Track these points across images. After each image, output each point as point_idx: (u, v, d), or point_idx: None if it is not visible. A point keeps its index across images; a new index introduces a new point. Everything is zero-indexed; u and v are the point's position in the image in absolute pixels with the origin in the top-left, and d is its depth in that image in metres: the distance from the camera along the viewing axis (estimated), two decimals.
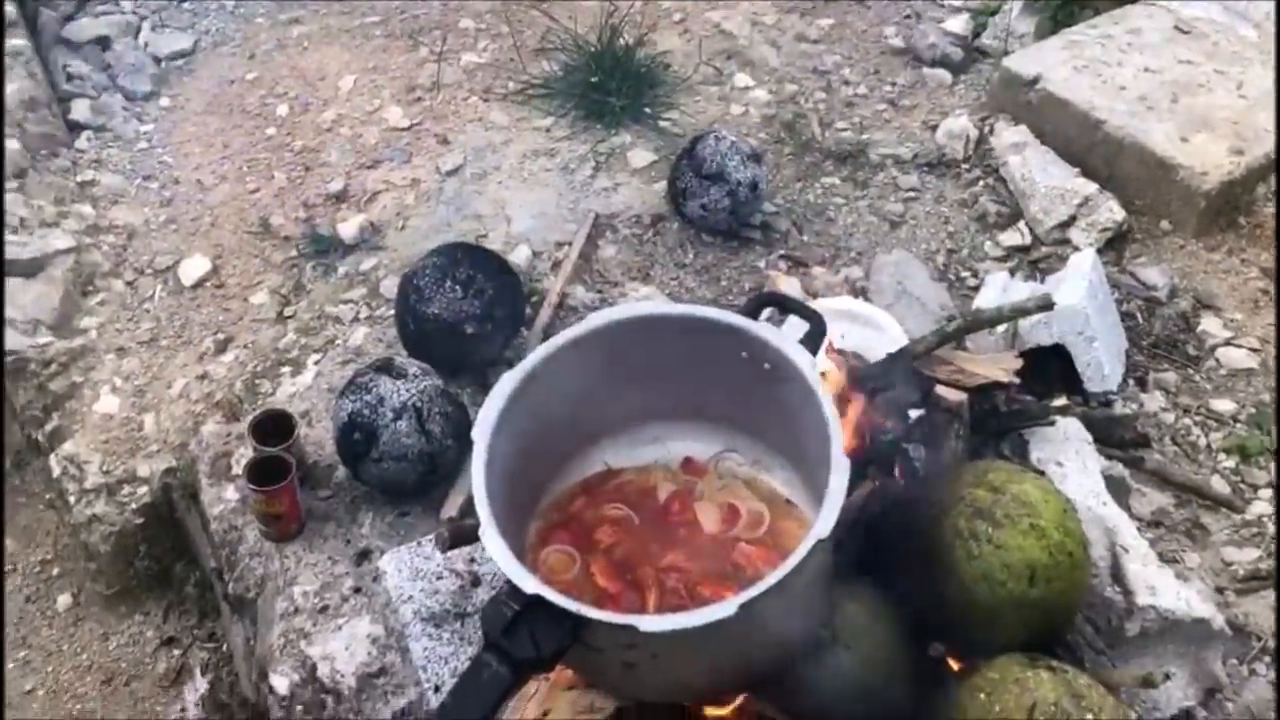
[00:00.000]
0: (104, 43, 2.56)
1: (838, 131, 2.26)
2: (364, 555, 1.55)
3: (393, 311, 1.94)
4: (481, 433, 1.06)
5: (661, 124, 2.24)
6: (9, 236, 2.03)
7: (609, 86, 2.27)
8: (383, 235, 2.10)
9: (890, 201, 2.13)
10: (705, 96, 2.32)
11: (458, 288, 1.72)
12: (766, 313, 1.18)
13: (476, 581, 1.33)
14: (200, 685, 1.83)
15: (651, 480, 1.23)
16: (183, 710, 1.81)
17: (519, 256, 2.00)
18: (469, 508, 1.59)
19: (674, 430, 1.25)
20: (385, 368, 1.61)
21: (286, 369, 1.91)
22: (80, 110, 2.37)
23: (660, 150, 2.19)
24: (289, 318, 2.00)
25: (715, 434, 1.24)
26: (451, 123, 2.28)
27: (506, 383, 1.10)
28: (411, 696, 1.37)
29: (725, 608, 0.93)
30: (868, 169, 2.18)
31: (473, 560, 1.36)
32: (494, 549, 0.99)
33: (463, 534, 1.14)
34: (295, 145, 2.29)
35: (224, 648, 1.86)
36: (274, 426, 1.59)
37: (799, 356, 1.09)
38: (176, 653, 1.87)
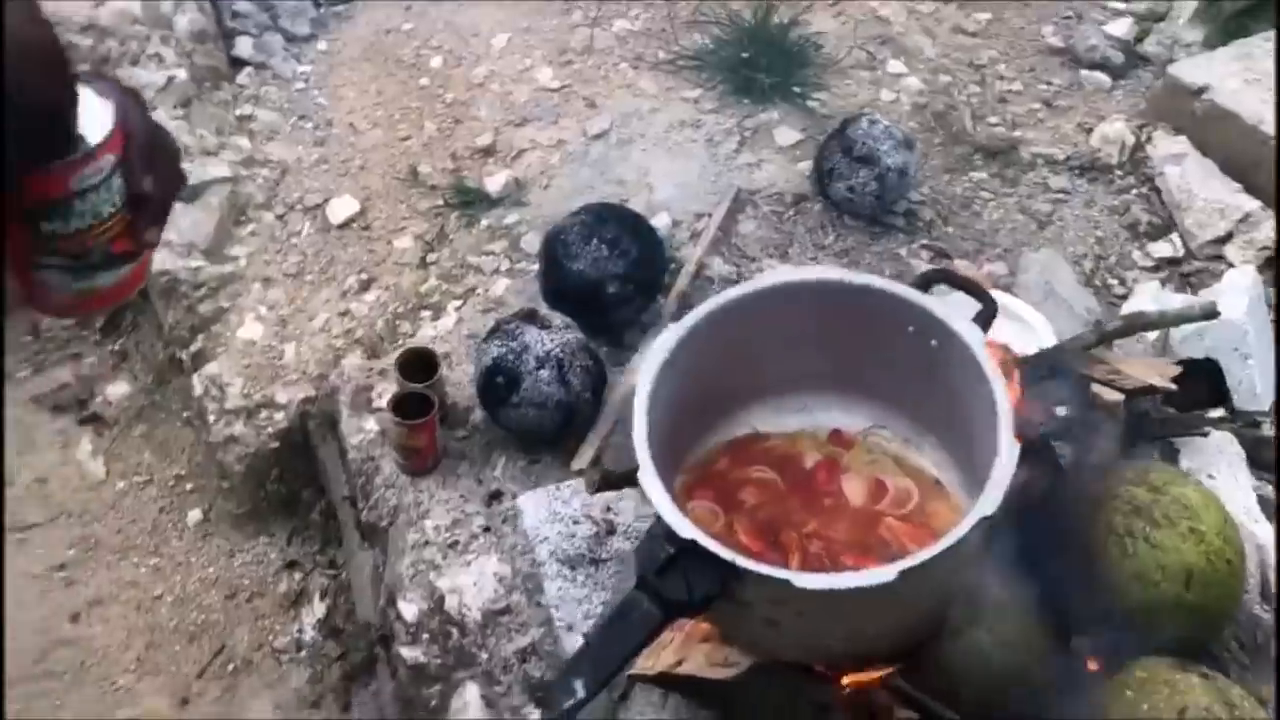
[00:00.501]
0: None
1: (989, 126, 2.22)
2: (494, 496, 1.59)
3: (533, 266, 1.97)
4: (644, 381, 1.08)
5: (810, 104, 2.23)
6: None
7: (759, 63, 2.27)
8: (526, 192, 2.13)
9: (1039, 201, 2.09)
10: (855, 80, 2.30)
11: (603, 247, 1.74)
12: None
13: (612, 530, 1.35)
14: (318, 609, 1.88)
15: (798, 447, 1.23)
16: (299, 631, 1.87)
17: (659, 224, 2.00)
18: (599, 460, 1.62)
19: (823, 400, 1.25)
20: (531, 317, 1.64)
21: (427, 313, 1.95)
22: (243, 47, 2.45)
23: (807, 130, 2.18)
24: (431, 264, 2.05)
25: (866, 407, 1.24)
26: (600, 87, 2.30)
27: (671, 335, 1.11)
28: (534, 636, 1.40)
29: (885, 573, 0.93)
30: (1018, 166, 2.15)
31: (609, 509, 1.38)
32: (652, 492, 1.00)
33: (612, 479, 1.16)
34: (446, 98, 2.33)
35: (342, 576, 1.92)
36: (419, 364, 1.63)
37: (971, 336, 1.08)
38: (297, 576, 1.93)
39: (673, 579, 0.95)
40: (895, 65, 2.33)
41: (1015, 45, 2.40)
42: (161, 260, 2.05)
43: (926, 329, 1.12)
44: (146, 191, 0.70)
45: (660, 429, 1.09)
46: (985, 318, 1.12)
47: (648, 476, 1.01)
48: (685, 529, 0.97)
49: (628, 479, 1.19)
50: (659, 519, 0.99)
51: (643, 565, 0.97)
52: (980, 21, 2.46)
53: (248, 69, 2.40)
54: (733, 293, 1.15)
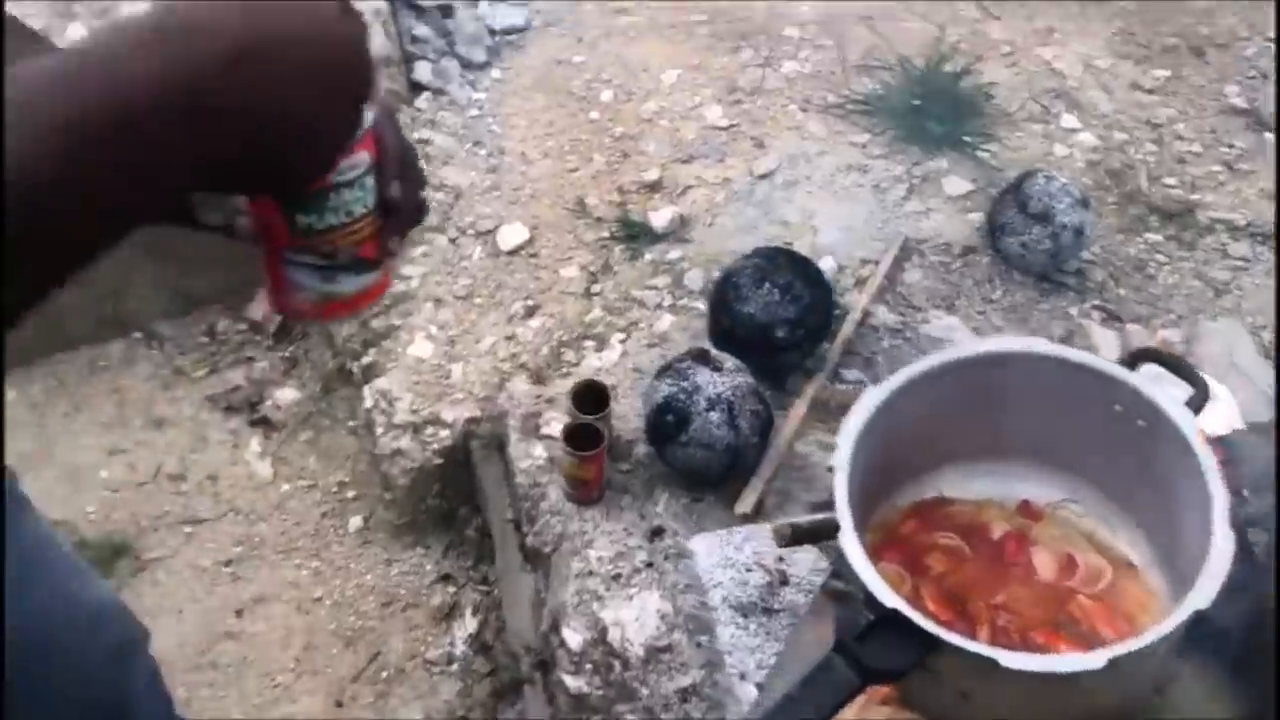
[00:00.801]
0: (446, 10, 2.72)
1: (1166, 187, 2.18)
2: (657, 532, 1.61)
3: (696, 303, 2.01)
4: (846, 440, 1.09)
5: (980, 155, 2.22)
6: None
7: (930, 111, 2.26)
8: (691, 228, 2.16)
9: (1216, 268, 2.04)
10: (1028, 133, 2.28)
11: (775, 291, 1.76)
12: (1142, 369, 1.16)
13: (785, 580, 1.36)
14: (469, 624, 1.94)
15: (985, 516, 1.23)
16: (450, 644, 1.93)
17: (823, 268, 2.01)
18: (762, 504, 1.64)
19: (1014, 469, 1.24)
20: (702, 358, 1.66)
21: (590, 343, 2.00)
22: (422, 72, 2.54)
23: (976, 181, 2.16)
24: (595, 294, 2.09)
25: (1057, 480, 1.22)
26: (768, 128, 2.32)
27: (873, 395, 1.12)
28: (695, 677, 1.42)
29: (1094, 659, 0.92)
30: (1195, 230, 2.10)
31: (781, 559, 1.39)
32: (855, 558, 1.01)
33: (803, 534, 1.17)
34: (615, 131, 2.38)
35: (494, 593, 1.97)
36: (591, 396, 1.67)
37: (1183, 420, 1.06)
38: (451, 590, 1.99)
39: (872, 646, 0.96)
40: (1069, 120, 2.30)
41: (1195, 104, 2.35)
42: None
43: (1135, 409, 1.10)
44: (395, 198, 0.70)
45: (851, 490, 1.10)
46: (1197, 402, 1.10)
47: (850, 543, 1.02)
48: (888, 598, 0.98)
49: (816, 535, 1.20)
50: (859, 582, 1.00)
51: (842, 630, 0.98)
52: (1159, 79, 2.41)
53: (426, 94, 2.49)
54: (938, 358, 1.15)
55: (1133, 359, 1.15)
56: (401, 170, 0.71)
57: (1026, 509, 1.23)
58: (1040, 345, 1.18)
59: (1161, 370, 1.14)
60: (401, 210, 0.71)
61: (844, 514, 1.04)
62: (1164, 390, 1.10)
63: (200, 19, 0.56)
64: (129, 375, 2.33)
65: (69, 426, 2.24)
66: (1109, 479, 1.18)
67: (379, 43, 2.44)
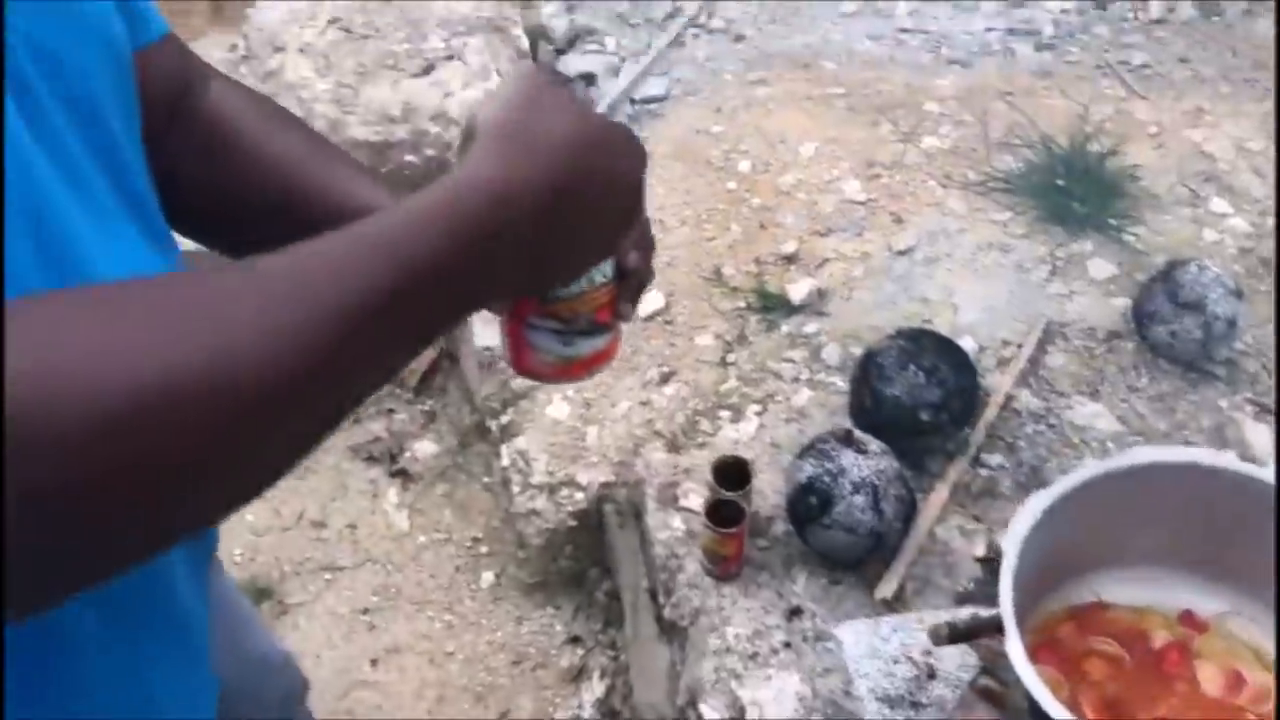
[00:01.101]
0: (589, 79, 2.80)
1: None
2: (795, 612, 1.62)
3: (833, 379, 2.01)
4: (1012, 543, 1.09)
5: (1126, 238, 2.19)
6: None
7: (1074, 191, 2.24)
8: (827, 302, 2.17)
9: None
10: (1176, 217, 2.24)
11: (920, 373, 1.76)
12: None
13: (932, 674, 1.36)
14: (597, 688, 1.96)
15: (1145, 624, 1.21)
16: (579, 707, 1.95)
17: (964, 347, 2.01)
18: (903, 590, 1.63)
19: (1176, 577, 1.22)
20: (847, 439, 1.67)
21: (726, 413, 2.02)
22: None
23: (1122, 265, 2.14)
24: (731, 364, 2.12)
25: (1221, 590, 1.20)
26: (907, 203, 2.33)
27: (1040, 499, 1.12)
28: None
29: None
30: None
31: (928, 652, 1.38)
32: (1020, 665, 1.01)
33: (959, 634, 1.17)
34: (753, 202, 2.41)
35: (622, 658, 1.99)
36: (732, 471, 1.69)
37: None
38: (580, 652, 2.02)
39: None
40: (1220, 204, 2.25)
41: None
42: (483, 336, 2.21)
43: None
44: (631, 266, 0.75)
45: (1016, 592, 1.09)
46: None
47: (1015, 649, 1.02)
48: (1056, 710, 0.97)
49: (972, 634, 1.20)
50: (1022, 688, 1.00)
51: None
52: None
53: None
54: (1101, 465, 1.15)
55: None
56: (637, 241, 0.76)
57: (1189, 619, 1.21)
58: (1205, 456, 1.16)
59: None
60: (635, 276, 0.77)
61: (1009, 620, 1.04)
62: None
63: (501, 190, 0.58)
64: None
65: None
66: (1270, 591, 1.16)
67: None
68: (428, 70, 2.46)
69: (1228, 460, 1.15)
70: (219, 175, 0.82)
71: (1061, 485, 1.13)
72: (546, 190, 0.60)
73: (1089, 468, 1.14)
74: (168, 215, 0.76)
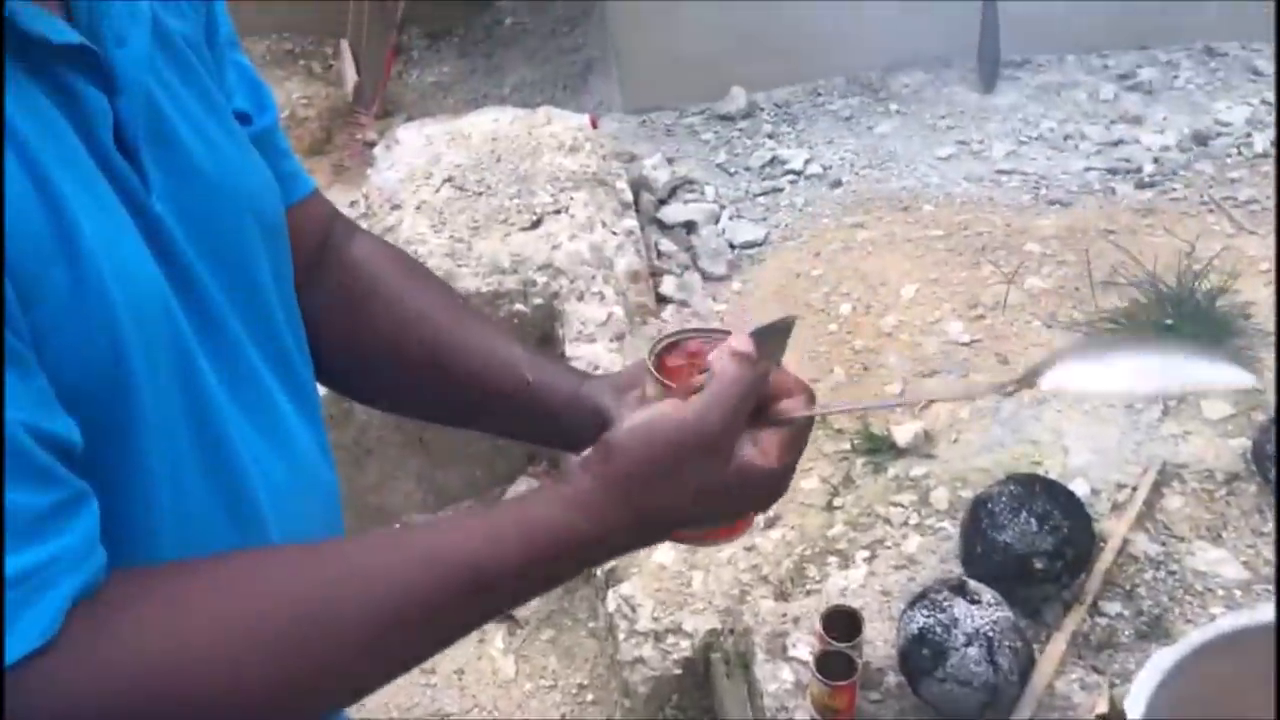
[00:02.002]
0: (690, 227, 2.89)
1: None
2: None
3: (943, 524, 1.99)
4: (1135, 704, 1.05)
5: None
6: None
7: (1184, 330, 2.21)
8: (935, 444, 2.16)
9: None
10: None
11: (1032, 520, 1.73)
12: None
13: None
14: None
15: None
16: None
17: (1076, 491, 1.97)
18: None
19: None
20: (960, 589, 1.64)
21: (834, 559, 2.00)
22: (667, 286, 2.68)
23: (1239, 405, 2.08)
24: (837, 508, 2.10)
25: None
26: (1012, 344, 2.32)
27: (1165, 656, 1.09)
28: None
29: None
30: None
31: None
32: None
33: None
34: (855, 344, 2.43)
35: None
36: (842, 621, 1.67)
37: None
38: None
39: None
40: None
41: None
42: None
43: None
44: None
45: None
46: None
47: None
48: None
49: None
50: None
51: None
52: None
53: (671, 305, 2.62)
54: (1233, 621, 1.11)
55: None
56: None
57: None
58: None
59: None
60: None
61: None
62: None
63: (593, 540, 0.70)
64: None
65: None
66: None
67: (629, 260, 2.61)
68: (536, 224, 2.57)
69: None
70: (359, 325, 0.87)
71: (1188, 641, 1.09)
72: (636, 543, 0.73)
73: (1218, 623, 1.10)
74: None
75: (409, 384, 0.88)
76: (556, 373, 0.86)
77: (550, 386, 0.84)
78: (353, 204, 2.83)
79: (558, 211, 2.60)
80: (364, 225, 2.69)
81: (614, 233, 2.60)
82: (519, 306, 2.49)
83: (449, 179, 2.71)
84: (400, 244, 2.60)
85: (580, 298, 2.47)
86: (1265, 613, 1.13)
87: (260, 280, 0.75)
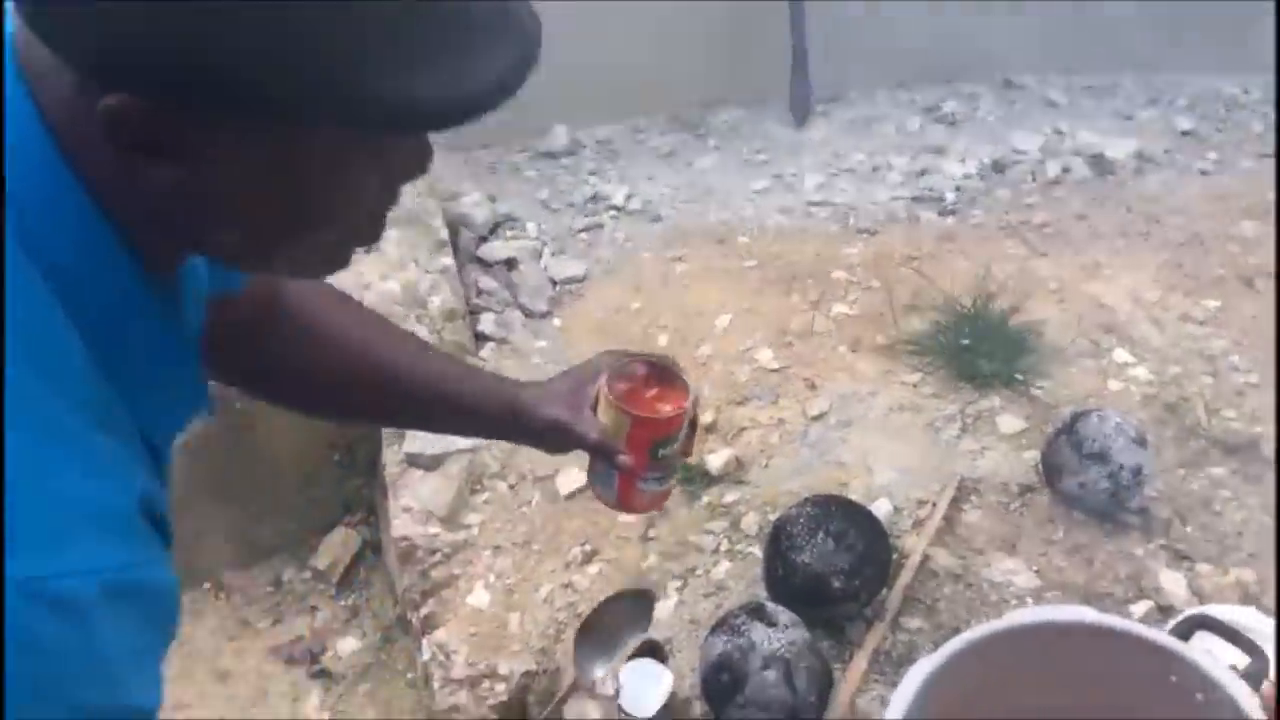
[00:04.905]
0: (511, 264, 2.87)
1: (1225, 420, 2.15)
2: None
3: (752, 549, 2.00)
4: (897, 711, 1.06)
5: (1034, 392, 2.22)
6: (420, 432, 2.27)
7: (980, 349, 2.29)
8: (746, 471, 2.18)
9: None
10: (1080, 369, 2.29)
11: (830, 540, 1.75)
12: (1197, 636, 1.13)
13: None
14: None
15: None
16: None
17: (879, 510, 2.00)
18: None
19: None
20: (758, 613, 1.64)
21: None
22: (486, 323, 2.65)
23: (1031, 419, 2.16)
24: (651, 539, 2.10)
25: None
26: (820, 369, 2.37)
27: (923, 665, 1.10)
28: None
29: None
30: (1259, 463, 2.06)
31: None
32: None
33: None
34: None
35: None
36: (648, 655, 1.65)
37: (1241, 694, 1.02)
38: None
39: None
40: (1121, 354, 2.31)
41: (1248, 335, 2.35)
42: (402, 526, 2.18)
43: (1190, 682, 1.07)
44: (697, 416, 1.06)
45: None
46: (1257, 673, 1.06)
47: None
48: None
49: None
50: None
51: None
52: (1209, 309, 2.43)
53: (490, 344, 2.59)
54: (983, 629, 1.13)
55: (1188, 628, 1.11)
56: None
57: None
58: (1090, 615, 1.15)
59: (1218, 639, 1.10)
60: (697, 426, 1.08)
61: None
62: (1220, 662, 1.06)
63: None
64: (198, 627, 2.36)
65: None
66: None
67: (444, 298, 2.57)
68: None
69: (1109, 620, 1.14)
70: (313, 360, 1.01)
71: (944, 651, 1.11)
72: None
73: (965, 635, 1.12)
74: (276, 398, 1.04)
75: (355, 399, 1.05)
76: (488, 389, 1.07)
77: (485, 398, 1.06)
78: None
79: (368, 250, 2.54)
80: None
81: (428, 271, 2.56)
82: None
83: None
84: None
85: None
86: (1015, 617, 1.15)
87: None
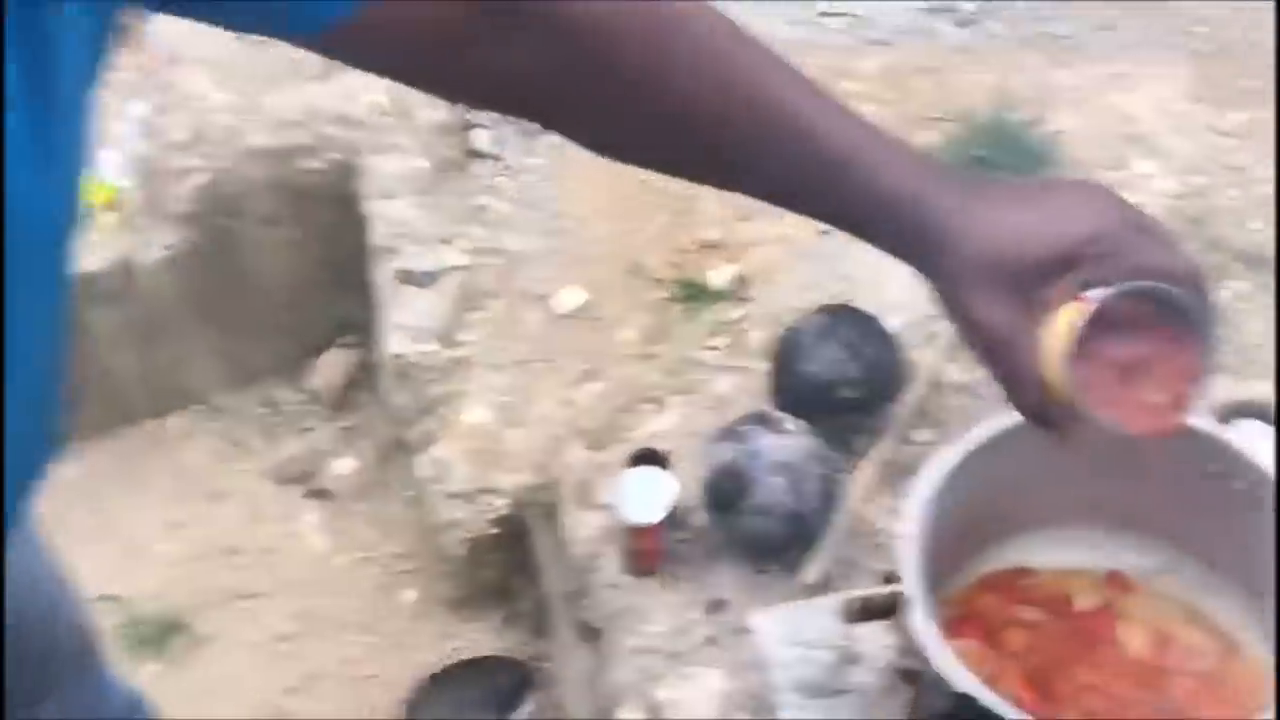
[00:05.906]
0: None
1: (1250, 232, 2.07)
2: (717, 605, 1.53)
3: (757, 364, 1.93)
4: (915, 505, 1.01)
5: None
6: (412, 248, 2.19)
7: (997, 161, 2.18)
8: (751, 287, 2.10)
9: None
10: (1101, 180, 2.18)
11: (839, 349, 1.69)
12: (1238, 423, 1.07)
13: (853, 659, 1.27)
14: (528, 704, 1.86)
15: (1068, 588, 1.13)
16: None
17: (891, 325, 1.93)
18: (827, 576, 1.55)
19: (1100, 536, 1.15)
20: (763, 420, 1.59)
21: (649, 406, 1.93)
22: (480, 139, 2.52)
23: None
24: (653, 357, 2.04)
25: (1150, 548, 1.13)
26: None
27: (945, 458, 1.04)
28: None
29: None
30: None
31: (849, 637, 1.30)
32: (925, 636, 0.93)
33: (874, 609, 1.09)
34: (673, 190, 2.33)
35: (551, 668, 1.90)
36: (649, 463, 1.61)
37: None
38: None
39: None
40: (1144, 165, 2.20)
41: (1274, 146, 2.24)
42: (396, 343, 2.12)
43: (1231, 470, 1.01)
44: None
45: (924, 558, 1.02)
46: None
47: (919, 619, 0.94)
48: (961, 680, 0.89)
49: (888, 609, 1.11)
50: (930, 663, 0.92)
51: (914, 714, 0.90)
52: (1236, 121, 2.31)
53: (485, 160, 2.48)
54: (1006, 421, 1.07)
55: (1227, 415, 1.06)
56: None
57: (1117, 580, 1.14)
58: None
59: (1261, 425, 1.04)
60: None
61: (912, 587, 0.96)
62: (1262, 449, 1.00)
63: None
64: (189, 448, 2.32)
65: (129, 501, 2.23)
66: (1208, 547, 1.09)
67: (434, 111, 2.44)
68: (329, 74, 2.38)
69: None
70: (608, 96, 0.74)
71: (967, 442, 1.05)
72: None
73: (995, 421, 1.06)
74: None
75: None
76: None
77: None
78: (125, 61, 2.57)
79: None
80: (138, 83, 2.46)
81: None
82: (313, 163, 2.31)
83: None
84: (180, 102, 2.38)
85: (379, 151, 2.31)
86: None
87: None
